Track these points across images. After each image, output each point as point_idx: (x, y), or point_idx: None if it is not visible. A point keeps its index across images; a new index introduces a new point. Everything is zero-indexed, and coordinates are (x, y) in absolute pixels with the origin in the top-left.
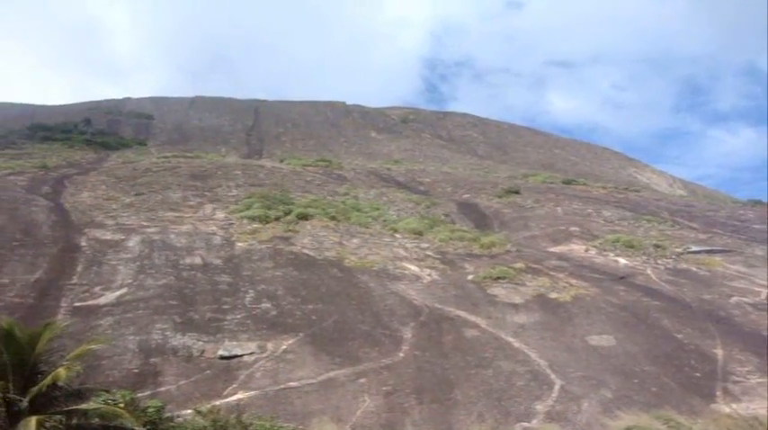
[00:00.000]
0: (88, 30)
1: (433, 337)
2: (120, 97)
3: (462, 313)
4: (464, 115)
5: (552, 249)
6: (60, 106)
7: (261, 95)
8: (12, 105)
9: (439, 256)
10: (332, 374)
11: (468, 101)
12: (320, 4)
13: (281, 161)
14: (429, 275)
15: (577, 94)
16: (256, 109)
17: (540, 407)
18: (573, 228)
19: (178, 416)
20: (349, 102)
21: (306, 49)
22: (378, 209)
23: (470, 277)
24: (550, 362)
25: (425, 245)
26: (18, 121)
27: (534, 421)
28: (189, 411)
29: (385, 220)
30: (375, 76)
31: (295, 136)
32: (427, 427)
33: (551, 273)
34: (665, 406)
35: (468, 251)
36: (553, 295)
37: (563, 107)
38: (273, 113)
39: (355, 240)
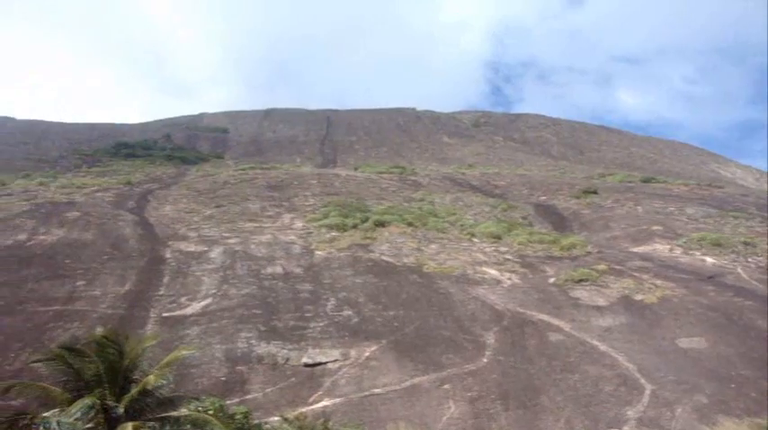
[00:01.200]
0: (162, 50)
1: (517, 342)
2: (196, 113)
3: (545, 317)
4: (536, 116)
5: (635, 249)
6: (140, 124)
7: (326, 105)
8: (95, 126)
9: (518, 260)
10: (416, 381)
11: (534, 101)
12: (375, 12)
13: (356, 169)
14: (509, 279)
15: (646, 89)
16: (328, 118)
17: (630, 412)
18: (655, 227)
19: (266, 423)
20: (419, 108)
21: (366, 57)
22: (454, 213)
23: (552, 280)
24: (639, 367)
25: (504, 248)
26: (102, 140)
27: (626, 428)
28: (276, 418)
29: (462, 225)
30: (438, 82)
31: (367, 144)
32: None
33: (635, 274)
34: (765, 413)
35: (548, 253)
36: (638, 297)
37: (632, 103)
38: (345, 122)
39: (433, 246)
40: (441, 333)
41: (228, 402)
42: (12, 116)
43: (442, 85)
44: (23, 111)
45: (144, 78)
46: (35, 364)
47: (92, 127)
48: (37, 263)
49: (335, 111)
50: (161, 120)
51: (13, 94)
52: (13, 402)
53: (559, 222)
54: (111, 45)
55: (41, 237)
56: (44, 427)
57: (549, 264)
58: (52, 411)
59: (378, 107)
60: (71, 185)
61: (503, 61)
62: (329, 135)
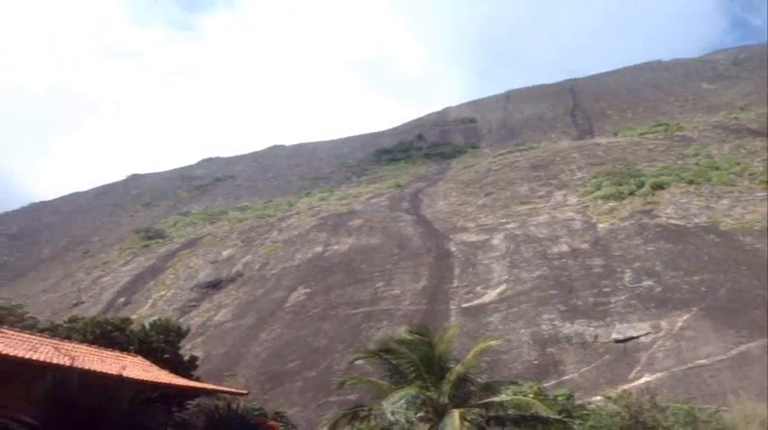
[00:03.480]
0: (386, 57)
1: None
2: (440, 108)
3: None
4: None
5: None
6: (391, 129)
7: (557, 77)
8: (351, 138)
9: None
10: (743, 348)
11: None
12: None
13: (615, 134)
14: None
15: None
16: (571, 88)
17: None
18: None
19: (589, 403)
20: (663, 59)
21: (586, 19)
22: (738, 163)
23: None
24: None
25: None
26: (363, 150)
27: None
28: (598, 397)
29: (752, 174)
30: (667, 28)
31: (620, 106)
32: None
33: None
34: None
35: None
36: None
37: None
38: (590, 89)
39: (724, 201)
40: (758, 293)
41: (546, 384)
42: (281, 144)
43: (670, 30)
44: (289, 136)
45: (374, 87)
46: (358, 362)
47: (350, 140)
48: (337, 270)
49: (576, 80)
50: (409, 122)
51: (277, 124)
52: (350, 397)
53: None
54: (340, 56)
55: (335, 247)
56: (380, 417)
57: None
58: (385, 403)
59: (618, 67)
60: (348, 196)
61: None
62: (577, 105)
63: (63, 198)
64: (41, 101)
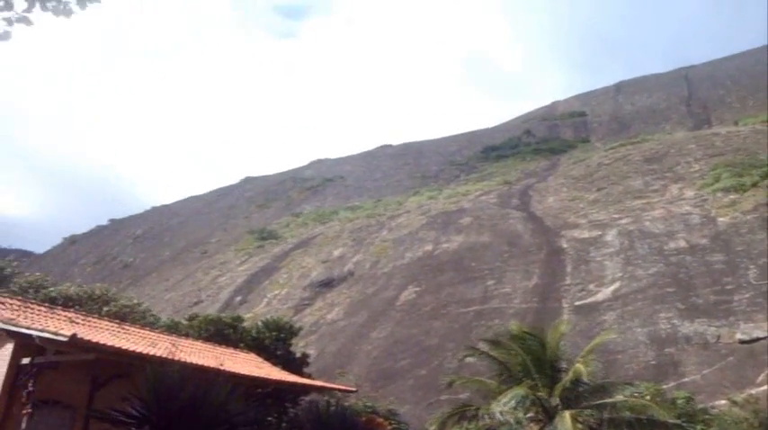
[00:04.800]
0: (485, 55)
1: None
2: (547, 103)
3: None
4: None
5: None
6: (499, 125)
7: (667, 65)
8: (457, 136)
9: None
10: None
11: None
12: None
13: (736, 123)
14: None
15: None
16: (685, 76)
17: None
18: None
19: (712, 407)
20: None
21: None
22: None
23: None
24: None
25: None
26: (470, 148)
27: None
28: (722, 401)
29: None
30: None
31: (740, 93)
32: None
33: None
34: None
35: None
36: None
37: None
38: (706, 76)
39: None
40: None
41: (664, 386)
42: (388, 143)
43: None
44: (395, 135)
45: (471, 84)
46: (469, 360)
47: (456, 138)
48: (447, 268)
49: (691, 68)
50: (517, 118)
51: (382, 123)
52: (460, 396)
53: None
54: (439, 55)
55: (444, 245)
56: (488, 417)
57: None
58: (493, 403)
59: (735, 52)
60: (456, 194)
61: None
62: (693, 93)
63: (182, 201)
64: (160, 111)
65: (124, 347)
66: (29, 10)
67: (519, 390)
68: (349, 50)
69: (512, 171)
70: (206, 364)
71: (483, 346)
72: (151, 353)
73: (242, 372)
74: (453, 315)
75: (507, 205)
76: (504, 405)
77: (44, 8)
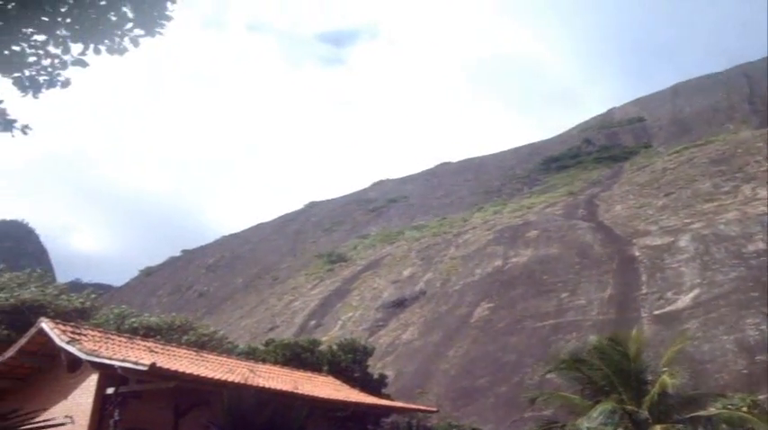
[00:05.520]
0: (532, 66)
1: None
2: (604, 110)
3: None
4: None
5: None
6: (557, 137)
7: (729, 62)
8: (516, 149)
9: None
10: None
11: None
12: None
13: None
14: None
15: None
16: (745, 74)
17: None
18: None
19: None
20: None
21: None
22: None
23: None
24: None
25: None
26: (530, 160)
27: None
28: None
29: None
30: None
31: None
32: None
33: None
34: None
35: None
36: None
37: None
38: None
39: None
40: None
41: (760, 397)
42: (448, 160)
43: None
44: (452, 152)
45: (529, 97)
46: (550, 375)
47: (515, 151)
48: (518, 283)
49: (750, 64)
50: (574, 128)
51: (439, 141)
52: (544, 412)
53: None
54: (485, 70)
55: (514, 260)
56: None
57: None
58: (580, 419)
59: None
60: (521, 208)
61: None
62: (754, 91)
63: (250, 229)
64: (221, 141)
65: (202, 374)
66: (83, 52)
67: (607, 405)
68: (397, 71)
69: (575, 181)
70: (282, 388)
71: (565, 360)
72: (228, 379)
73: (319, 396)
74: (529, 330)
75: (574, 216)
76: (593, 420)
77: (97, 51)
